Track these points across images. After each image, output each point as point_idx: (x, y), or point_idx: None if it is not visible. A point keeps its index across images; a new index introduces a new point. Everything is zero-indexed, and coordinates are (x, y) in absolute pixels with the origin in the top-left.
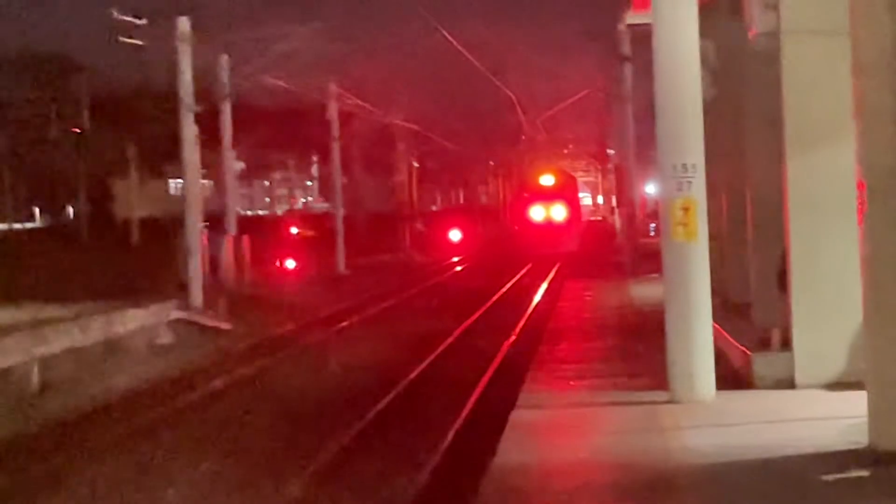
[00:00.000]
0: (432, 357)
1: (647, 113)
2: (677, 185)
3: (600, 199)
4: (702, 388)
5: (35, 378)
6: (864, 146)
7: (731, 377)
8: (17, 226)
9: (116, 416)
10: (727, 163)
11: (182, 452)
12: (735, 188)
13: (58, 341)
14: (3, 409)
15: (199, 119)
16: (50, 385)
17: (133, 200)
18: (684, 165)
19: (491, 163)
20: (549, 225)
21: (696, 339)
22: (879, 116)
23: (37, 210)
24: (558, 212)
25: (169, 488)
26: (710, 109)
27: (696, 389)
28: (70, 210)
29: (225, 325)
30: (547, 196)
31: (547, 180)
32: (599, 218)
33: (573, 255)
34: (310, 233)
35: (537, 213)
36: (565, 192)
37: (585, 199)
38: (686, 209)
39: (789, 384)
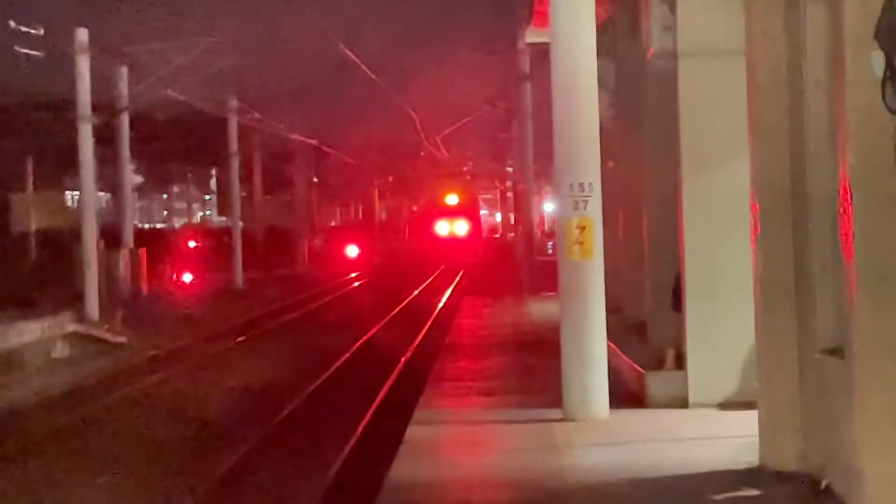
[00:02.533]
0: (327, 373)
1: (548, 131)
2: (573, 203)
3: (499, 217)
4: (596, 406)
5: None
6: (757, 168)
7: (626, 396)
8: None
9: (4, 430)
10: (624, 182)
11: (72, 467)
12: (632, 207)
13: None
14: None
15: (97, 131)
16: None
17: (30, 212)
18: (581, 184)
19: (390, 179)
20: (452, 239)
21: (590, 357)
22: (773, 138)
23: None
24: (461, 227)
25: (63, 499)
26: (607, 129)
27: (590, 407)
28: None
29: (121, 339)
30: (451, 213)
31: (451, 199)
32: (497, 235)
33: (472, 272)
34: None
35: (443, 228)
36: (468, 209)
37: (486, 216)
38: (582, 228)
39: (683, 403)
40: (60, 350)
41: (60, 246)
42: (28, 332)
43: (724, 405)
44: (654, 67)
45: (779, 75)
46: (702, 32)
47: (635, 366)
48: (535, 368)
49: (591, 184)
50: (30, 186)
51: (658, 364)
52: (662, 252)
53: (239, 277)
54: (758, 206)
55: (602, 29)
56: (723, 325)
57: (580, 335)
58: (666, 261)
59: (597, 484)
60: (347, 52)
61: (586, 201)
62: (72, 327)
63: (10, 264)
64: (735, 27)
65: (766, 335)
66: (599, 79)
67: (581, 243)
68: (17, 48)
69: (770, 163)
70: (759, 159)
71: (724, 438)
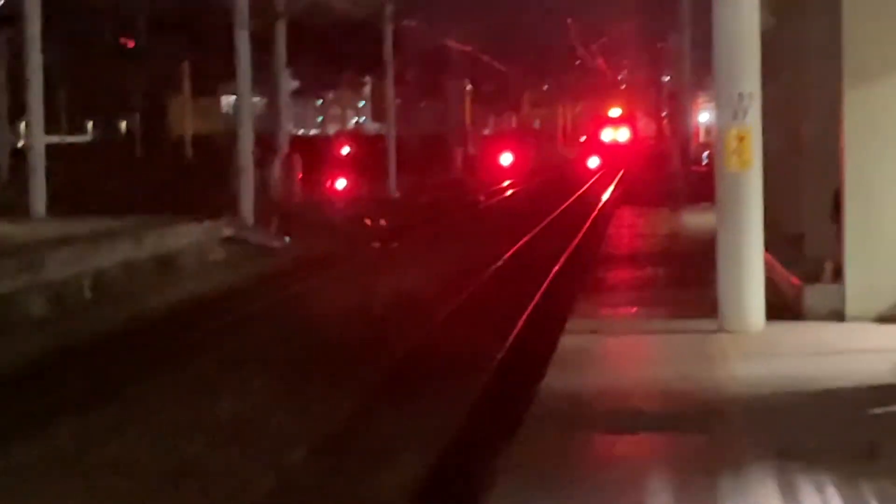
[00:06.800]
0: (480, 280)
1: (705, 40)
2: (733, 113)
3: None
4: (751, 317)
5: (87, 290)
6: None
7: (782, 308)
8: (70, 139)
9: (166, 329)
10: (783, 92)
11: (233, 365)
12: (791, 118)
13: (111, 254)
14: (54, 320)
15: (253, 38)
16: (101, 297)
17: (186, 117)
18: (740, 94)
19: (545, 87)
20: (615, 144)
21: (747, 269)
22: None
23: (89, 124)
24: (623, 134)
25: (221, 399)
26: (767, 38)
27: (746, 319)
28: (122, 124)
29: (275, 243)
30: (615, 122)
31: (614, 112)
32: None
33: (626, 181)
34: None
35: (607, 134)
36: (629, 119)
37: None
38: (741, 138)
39: (840, 316)
40: (216, 253)
41: (216, 151)
42: (185, 235)
43: (883, 318)
44: None
45: None
46: None
47: (792, 278)
48: (690, 279)
49: (750, 93)
50: (187, 91)
51: (815, 276)
52: (821, 163)
53: (392, 184)
54: None
55: None
56: (882, 237)
57: (737, 246)
58: (825, 172)
59: (752, 395)
60: None
61: (746, 111)
62: (227, 231)
63: (166, 168)
64: None
65: None
66: None
67: (739, 154)
68: None
69: None
70: None
71: (881, 352)
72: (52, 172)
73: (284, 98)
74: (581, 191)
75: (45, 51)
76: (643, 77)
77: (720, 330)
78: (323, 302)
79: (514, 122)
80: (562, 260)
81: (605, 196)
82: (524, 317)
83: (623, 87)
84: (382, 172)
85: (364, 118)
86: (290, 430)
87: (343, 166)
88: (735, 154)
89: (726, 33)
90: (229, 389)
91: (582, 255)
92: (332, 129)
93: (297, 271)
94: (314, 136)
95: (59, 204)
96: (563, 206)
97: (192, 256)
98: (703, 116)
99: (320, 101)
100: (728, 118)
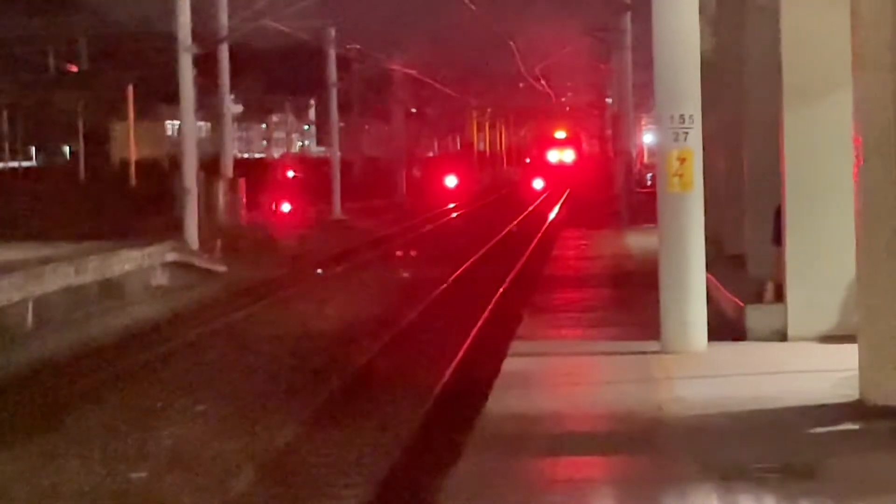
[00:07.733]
0: (424, 303)
1: (648, 62)
2: (674, 135)
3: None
4: (694, 338)
5: (29, 317)
6: (861, 100)
7: (724, 328)
8: (14, 164)
9: (109, 356)
10: (725, 114)
11: (179, 391)
12: (732, 139)
13: (53, 281)
14: None
15: (197, 61)
16: (44, 324)
17: (130, 141)
18: (681, 116)
19: (489, 110)
20: (560, 165)
21: (689, 290)
22: (877, 71)
23: (33, 149)
24: (568, 155)
25: (163, 426)
26: (708, 61)
27: (689, 340)
28: (67, 150)
29: (220, 268)
30: (559, 144)
31: (560, 133)
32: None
33: (570, 203)
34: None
35: (552, 156)
36: (574, 141)
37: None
38: (682, 160)
39: (782, 336)
40: (160, 278)
41: (160, 175)
42: (129, 260)
43: (824, 339)
44: None
45: (882, 6)
46: None
47: (734, 298)
48: (634, 301)
49: (691, 115)
50: (131, 116)
51: (757, 297)
52: (763, 184)
53: (337, 207)
54: (860, 139)
55: None
56: (823, 257)
57: (679, 267)
58: (766, 193)
59: (694, 416)
60: None
61: (686, 133)
62: (171, 256)
63: (110, 193)
64: None
65: (868, 268)
66: (700, 9)
67: (681, 175)
68: None
69: (873, 95)
70: (862, 92)
71: (823, 372)
72: None
73: (228, 121)
74: (526, 212)
75: None
76: (587, 99)
77: (663, 351)
78: (265, 328)
79: (458, 144)
80: (506, 282)
81: (550, 217)
82: (469, 340)
83: (567, 108)
84: (327, 195)
85: (309, 142)
86: (232, 456)
87: (288, 189)
88: (676, 176)
89: (667, 56)
90: (168, 415)
91: (527, 277)
92: (276, 153)
93: (240, 297)
94: (259, 160)
95: (3, 229)
96: (507, 228)
97: (136, 282)
98: (648, 137)
99: (265, 125)
100: (669, 140)
